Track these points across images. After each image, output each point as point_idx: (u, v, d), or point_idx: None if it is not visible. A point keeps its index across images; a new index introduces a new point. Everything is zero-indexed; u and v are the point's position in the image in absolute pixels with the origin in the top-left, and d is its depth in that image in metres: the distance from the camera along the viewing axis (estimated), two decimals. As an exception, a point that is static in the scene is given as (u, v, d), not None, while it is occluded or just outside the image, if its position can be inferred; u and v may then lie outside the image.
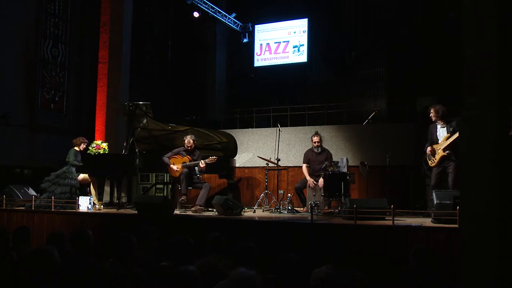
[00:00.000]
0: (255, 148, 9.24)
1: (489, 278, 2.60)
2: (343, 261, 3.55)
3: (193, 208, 6.73)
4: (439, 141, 6.02)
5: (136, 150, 7.41)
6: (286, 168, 8.76)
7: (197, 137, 7.40)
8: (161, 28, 13.32)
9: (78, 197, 6.85)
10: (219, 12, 12.40)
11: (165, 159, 7.11)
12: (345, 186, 6.41)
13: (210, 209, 6.82)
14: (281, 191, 7.34)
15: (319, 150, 7.23)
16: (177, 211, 6.64)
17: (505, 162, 2.67)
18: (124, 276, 2.77)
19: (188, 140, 7.14)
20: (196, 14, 11.59)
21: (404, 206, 6.37)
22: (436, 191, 5.31)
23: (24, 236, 4.20)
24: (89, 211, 6.72)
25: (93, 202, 7.00)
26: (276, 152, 7.63)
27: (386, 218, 5.28)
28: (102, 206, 7.20)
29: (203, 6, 11.66)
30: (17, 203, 7.16)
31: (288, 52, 12.94)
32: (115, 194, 7.68)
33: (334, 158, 7.25)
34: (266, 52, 13.22)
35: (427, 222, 5.15)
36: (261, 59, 13.29)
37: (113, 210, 6.96)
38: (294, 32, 12.90)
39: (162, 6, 13.24)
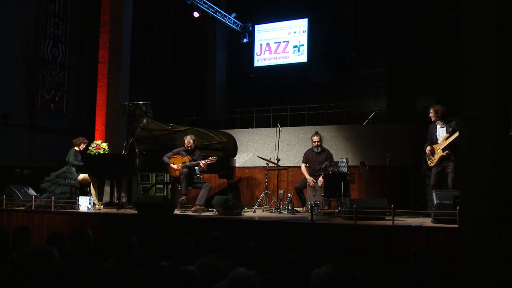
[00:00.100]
0: (255, 148, 9.25)
1: (489, 278, 2.60)
2: (343, 261, 3.55)
3: (193, 208, 6.73)
4: (439, 141, 6.02)
5: (136, 150, 7.40)
6: (286, 168, 8.76)
7: (197, 137, 7.40)
8: (161, 28, 13.32)
9: (78, 197, 6.85)
10: (219, 12, 12.40)
11: (165, 159, 7.11)
12: (345, 186, 6.41)
13: (210, 209, 6.82)
14: (281, 191, 7.34)
15: (319, 150, 7.24)
16: (177, 211, 6.64)
17: (505, 162, 2.67)
18: (124, 276, 2.77)
19: (188, 140, 7.14)
20: (196, 14, 11.59)
21: (404, 206, 6.37)
22: (436, 191, 5.31)
23: (24, 236, 4.20)
24: (89, 211, 6.72)
25: (93, 202, 7.00)
26: (276, 152, 7.63)
27: (386, 218, 5.28)
28: (102, 206, 7.20)
29: (203, 6, 11.66)
30: (17, 203, 7.16)
31: (288, 52, 12.94)
32: (115, 194, 7.68)
33: (334, 158, 7.25)
34: (266, 52, 13.22)
35: (427, 222, 5.15)
36: (261, 59, 13.29)
37: (113, 210, 6.96)
38: (294, 32, 12.90)
39: (162, 6, 13.24)
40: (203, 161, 6.92)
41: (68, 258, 3.23)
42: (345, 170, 6.75)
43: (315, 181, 6.90)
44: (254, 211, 6.95)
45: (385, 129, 8.66)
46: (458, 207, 4.49)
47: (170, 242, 3.55)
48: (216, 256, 3.58)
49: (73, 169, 7.37)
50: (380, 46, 11.70)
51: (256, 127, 10.31)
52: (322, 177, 6.67)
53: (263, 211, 7.12)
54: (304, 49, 12.68)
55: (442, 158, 5.93)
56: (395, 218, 5.06)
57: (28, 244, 4.19)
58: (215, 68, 13.35)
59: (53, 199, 6.64)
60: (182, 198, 6.89)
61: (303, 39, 12.73)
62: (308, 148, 7.48)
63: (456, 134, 5.70)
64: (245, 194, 9.15)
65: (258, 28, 13.35)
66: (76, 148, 7.51)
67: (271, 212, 6.94)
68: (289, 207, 6.80)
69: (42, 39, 9.94)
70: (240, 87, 13.52)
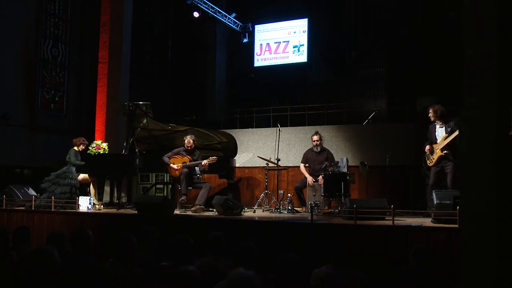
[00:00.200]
0: (255, 148, 9.25)
1: (489, 278, 2.60)
2: (343, 261, 3.55)
3: (193, 208, 6.73)
4: (438, 141, 6.02)
5: (136, 150, 7.40)
6: (286, 168, 8.76)
7: (197, 137, 7.40)
8: (161, 28, 13.32)
9: (78, 197, 6.85)
10: (219, 12, 12.40)
11: (165, 158, 7.11)
12: (345, 186, 6.41)
13: (210, 209, 6.82)
14: (281, 191, 7.34)
15: (319, 150, 7.23)
16: (177, 211, 6.64)
17: (505, 162, 2.66)
18: (124, 276, 2.77)
19: (188, 140, 7.14)
20: (196, 14, 11.60)
21: (404, 206, 6.37)
22: (436, 191, 5.31)
23: (24, 236, 4.20)
24: (89, 211, 6.72)
25: (93, 202, 7.00)
26: (276, 152, 7.63)
27: (386, 218, 5.28)
28: (102, 206, 7.20)
29: (203, 6, 11.66)
30: (17, 203, 7.15)
31: (288, 52, 12.95)
32: (115, 194, 7.69)
33: (334, 158, 7.25)
34: (266, 52, 13.22)
35: (427, 222, 5.15)
36: (261, 59, 13.29)
37: (113, 210, 6.96)
38: (294, 32, 12.90)
39: (162, 6, 13.24)
40: (204, 161, 6.92)
41: (68, 258, 3.23)
42: (345, 170, 6.75)
43: (315, 180, 6.90)
44: (254, 211, 6.95)
45: (385, 129, 8.66)
46: (458, 207, 4.49)
47: (170, 242, 3.55)
48: (216, 256, 3.58)
49: (73, 169, 7.37)
50: (380, 46, 11.70)
51: (256, 127, 10.32)
52: (322, 177, 6.68)
53: (263, 211, 7.12)
54: (304, 49, 12.69)
55: (440, 158, 5.93)
56: (395, 218, 5.06)
57: (28, 244, 4.19)
58: (215, 68, 13.35)
59: (53, 199, 6.64)
60: (182, 198, 6.89)
61: (303, 39, 12.73)
62: (308, 148, 7.48)
63: (455, 134, 5.71)
64: (245, 194, 9.15)
65: (258, 28, 13.35)
66: (76, 148, 7.51)
67: (271, 212, 6.94)
68: (289, 207, 6.80)
69: (42, 39, 9.94)
70: (240, 87, 13.52)
